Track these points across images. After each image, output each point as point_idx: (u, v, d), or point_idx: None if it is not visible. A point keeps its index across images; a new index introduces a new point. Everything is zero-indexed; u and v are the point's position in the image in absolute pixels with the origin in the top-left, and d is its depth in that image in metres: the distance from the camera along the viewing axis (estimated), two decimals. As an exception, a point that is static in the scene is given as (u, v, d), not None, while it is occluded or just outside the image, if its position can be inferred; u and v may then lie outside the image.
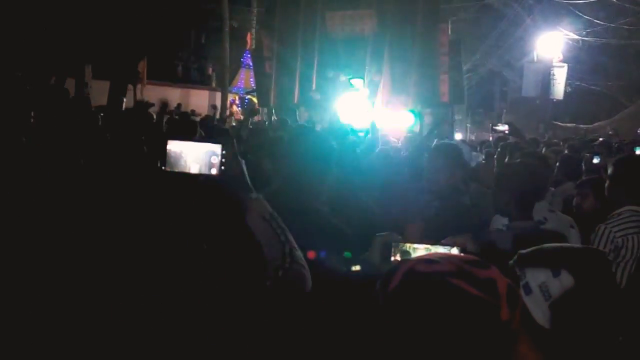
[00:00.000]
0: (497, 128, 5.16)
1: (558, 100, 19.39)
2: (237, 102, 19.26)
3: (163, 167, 1.39)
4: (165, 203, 1.52)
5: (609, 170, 3.12)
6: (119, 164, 2.38)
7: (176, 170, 1.39)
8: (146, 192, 1.76)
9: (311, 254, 2.16)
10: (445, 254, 1.22)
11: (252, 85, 17.64)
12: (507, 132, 5.36)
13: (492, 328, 0.96)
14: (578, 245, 1.47)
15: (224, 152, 1.40)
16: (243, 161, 1.48)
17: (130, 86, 14.45)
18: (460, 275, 0.98)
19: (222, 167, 1.40)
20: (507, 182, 2.66)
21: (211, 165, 1.40)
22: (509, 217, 2.64)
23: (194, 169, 1.40)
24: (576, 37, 19.99)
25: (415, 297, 0.98)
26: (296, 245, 1.49)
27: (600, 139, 9.06)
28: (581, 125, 20.03)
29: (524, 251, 1.40)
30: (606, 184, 3.11)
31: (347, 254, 2.22)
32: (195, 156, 1.39)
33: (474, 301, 0.96)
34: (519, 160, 2.98)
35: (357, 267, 2.24)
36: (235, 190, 1.44)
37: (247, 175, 1.47)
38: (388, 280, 1.02)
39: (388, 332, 0.98)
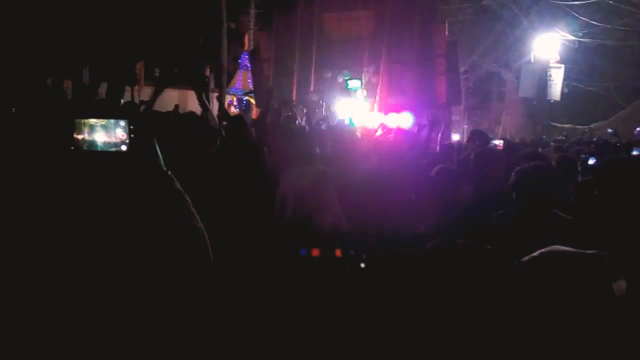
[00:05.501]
0: (494, 142, 5.32)
1: (555, 101, 19.42)
2: (234, 103, 19.23)
3: (72, 147, 1.36)
4: (78, 183, 1.49)
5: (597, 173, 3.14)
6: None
7: (85, 149, 1.37)
8: (57, 173, 1.74)
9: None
10: None
11: (250, 86, 17.64)
12: (501, 147, 5.50)
13: None
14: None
15: (131, 127, 1.37)
16: (154, 137, 1.45)
17: (127, 87, 14.43)
18: None
19: (131, 142, 1.37)
20: (520, 183, 2.81)
21: (120, 142, 1.38)
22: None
23: (102, 146, 1.37)
24: (573, 38, 20.04)
25: None
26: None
27: (582, 138, 9.04)
28: (578, 126, 20.08)
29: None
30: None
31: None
32: (102, 133, 1.37)
33: None
34: (532, 163, 3.11)
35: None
36: (148, 165, 1.41)
37: (158, 151, 1.44)
38: None
39: None
